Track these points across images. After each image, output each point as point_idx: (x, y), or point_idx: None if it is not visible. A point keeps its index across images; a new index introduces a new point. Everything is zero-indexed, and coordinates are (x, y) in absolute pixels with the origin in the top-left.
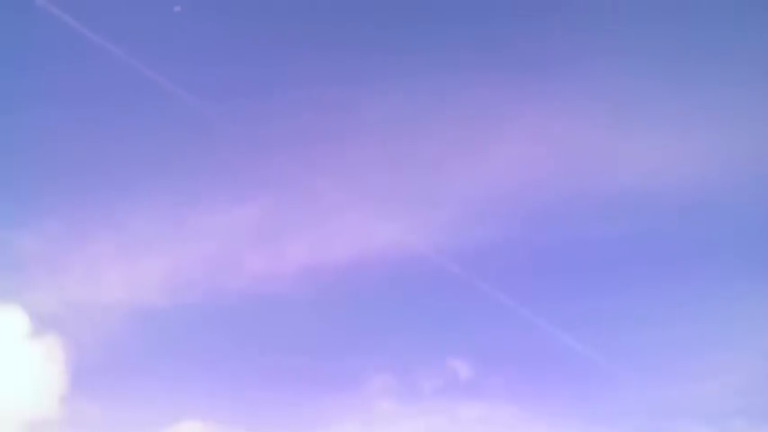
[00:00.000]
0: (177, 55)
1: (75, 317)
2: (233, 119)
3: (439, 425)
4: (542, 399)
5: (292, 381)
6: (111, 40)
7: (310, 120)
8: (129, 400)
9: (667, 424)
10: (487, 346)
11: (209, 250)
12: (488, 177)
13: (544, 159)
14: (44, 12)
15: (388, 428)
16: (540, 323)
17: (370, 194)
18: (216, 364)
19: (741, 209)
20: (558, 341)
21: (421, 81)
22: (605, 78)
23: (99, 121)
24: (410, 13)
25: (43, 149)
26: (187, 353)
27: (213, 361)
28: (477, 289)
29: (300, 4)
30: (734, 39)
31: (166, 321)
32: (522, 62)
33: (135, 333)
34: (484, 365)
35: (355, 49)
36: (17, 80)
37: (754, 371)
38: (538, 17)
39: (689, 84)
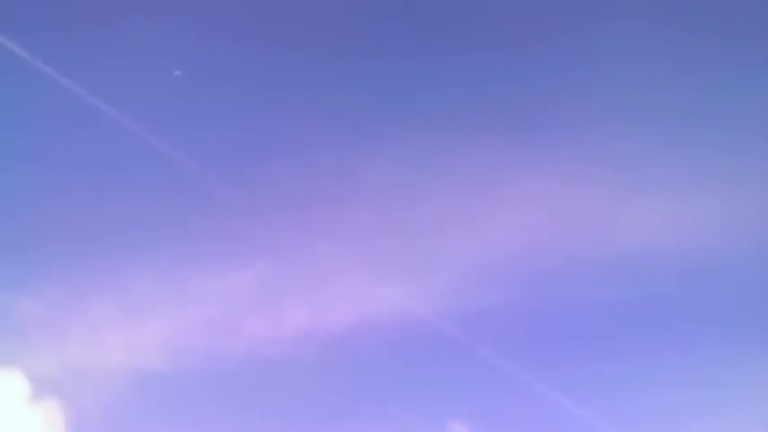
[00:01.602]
0: (176, 119)
1: (75, 381)
2: (232, 183)
3: None
4: None
5: None
6: (110, 104)
7: (309, 184)
8: None
9: None
10: (487, 410)
11: (208, 314)
12: (488, 241)
13: (544, 223)
14: (43, 75)
15: None
16: (540, 387)
17: (370, 259)
18: (216, 429)
19: (742, 274)
20: (559, 405)
21: (420, 145)
22: (605, 142)
23: (98, 184)
24: (409, 79)
25: (43, 213)
26: (187, 417)
27: (213, 425)
28: (476, 353)
29: (300, 68)
30: (735, 103)
31: (166, 385)
32: (522, 126)
33: (135, 397)
34: (484, 429)
35: (354, 113)
36: (16, 144)
37: None
38: (537, 81)
39: (689, 148)
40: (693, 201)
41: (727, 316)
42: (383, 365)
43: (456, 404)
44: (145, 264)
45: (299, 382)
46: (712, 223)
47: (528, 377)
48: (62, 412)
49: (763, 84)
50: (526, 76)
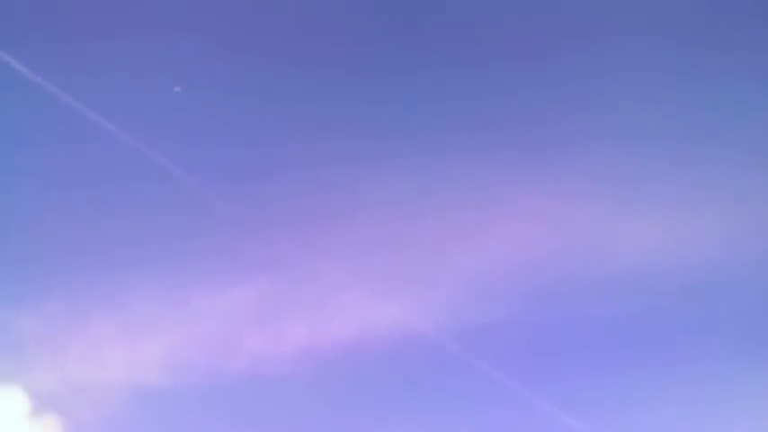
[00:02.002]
0: (177, 135)
1: (76, 397)
2: (232, 199)
3: None
4: None
5: None
6: (111, 121)
7: (309, 200)
8: None
9: None
10: (488, 425)
11: (209, 331)
12: (488, 257)
13: (544, 239)
14: (43, 91)
15: None
16: (540, 403)
17: (370, 275)
18: None
19: (742, 289)
20: (559, 420)
21: (420, 162)
22: (604, 158)
23: (98, 200)
24: (409, 94)
25: (43, 229)
26: None
27: None
28: (477, 368)
29: (301, 84)
30: (735, 118)
31: (167, 401)
32: (521, 141)
33: (135, 413)
34: None
35: (354, 130)
36: (16, 158)
37: None
38: (537, 98)
39: (689, 164)
40: (694, 216)
41: (727, 330)
42: (383, 381)
43: (456, 419)
44: (145, 279)
45: (299, 398)
46: (712, 238)
47: (528, 392)
48: (62, 428)
49: (763, 98)
50: (526, 92)
